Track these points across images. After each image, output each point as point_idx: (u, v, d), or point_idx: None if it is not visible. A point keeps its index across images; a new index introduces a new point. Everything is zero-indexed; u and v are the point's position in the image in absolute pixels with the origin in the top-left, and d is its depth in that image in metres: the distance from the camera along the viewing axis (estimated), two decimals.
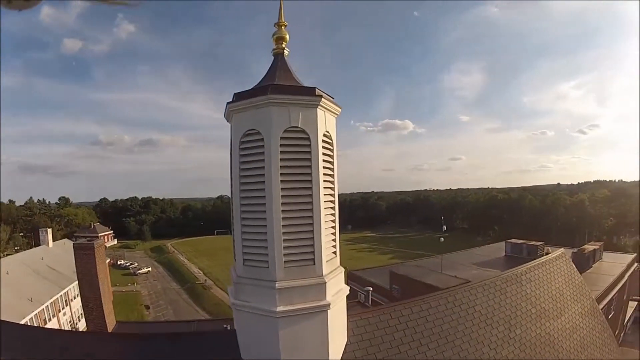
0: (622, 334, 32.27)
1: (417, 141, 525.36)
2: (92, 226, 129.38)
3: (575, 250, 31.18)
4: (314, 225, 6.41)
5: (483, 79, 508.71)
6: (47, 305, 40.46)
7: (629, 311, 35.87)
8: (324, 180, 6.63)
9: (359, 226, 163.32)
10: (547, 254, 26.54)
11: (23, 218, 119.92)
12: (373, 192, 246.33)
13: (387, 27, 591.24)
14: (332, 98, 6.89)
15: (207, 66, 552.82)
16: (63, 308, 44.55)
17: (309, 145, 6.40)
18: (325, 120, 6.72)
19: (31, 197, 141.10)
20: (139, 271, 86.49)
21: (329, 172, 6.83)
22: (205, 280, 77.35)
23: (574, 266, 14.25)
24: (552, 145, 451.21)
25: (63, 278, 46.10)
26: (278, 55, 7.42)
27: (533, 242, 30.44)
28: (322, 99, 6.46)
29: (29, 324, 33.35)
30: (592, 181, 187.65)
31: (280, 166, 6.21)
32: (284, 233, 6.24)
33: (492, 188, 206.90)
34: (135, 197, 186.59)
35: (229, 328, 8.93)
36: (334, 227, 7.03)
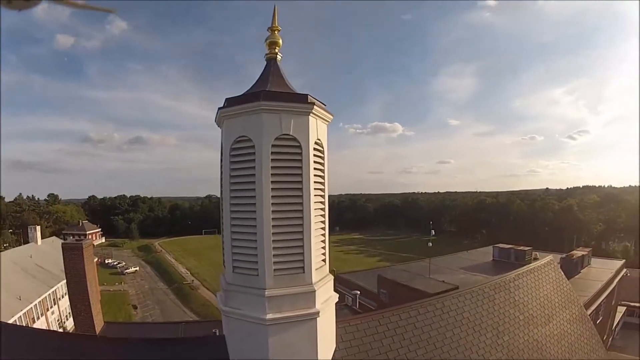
0: (610, 339, 32.66)
1: (406, 144, 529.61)
2: (81, 224, 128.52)
3: (564, 255, 31.36)
4: (304, 234, 6.40)
5: (473, 83, 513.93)
6: (36, 304, 40.22)
7: (618, 316, 36.31)
8: (315, 189, 6.62)
9: (346, 228, 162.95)
10: (535, 259, 27.00)
11: (12, 214, 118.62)
12: (361, 194, 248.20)
13: (378, 30, 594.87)
14: (324, 105, 6.88)
15: (201, 66, 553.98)
16: (51, 307, 44.25)
17: (300, 153, 6.38)
18: (317, 128, 6.70)
19: (20, 194, 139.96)
20: (127, 270, 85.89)
21: (320, 179, 6.82)
22: (193, 280, 77.10)
23: (562, 273, 14.41)
24: (541, 150, 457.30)
25: (51, 276, 45.77)
26: (271, 60, 7.36)
27: (521, 247, 30.52)
28: (314, 107, 6.44)
29: (17, 323, 33.09)
30: (581, 186, 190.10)
31: (271, 174, 6.20)
32: (274, 241, 6.23)
33: (480, 192, 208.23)
34: (124, 195, 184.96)
35: (217, 333, 8.88)
36: (323, 235, 7.03)
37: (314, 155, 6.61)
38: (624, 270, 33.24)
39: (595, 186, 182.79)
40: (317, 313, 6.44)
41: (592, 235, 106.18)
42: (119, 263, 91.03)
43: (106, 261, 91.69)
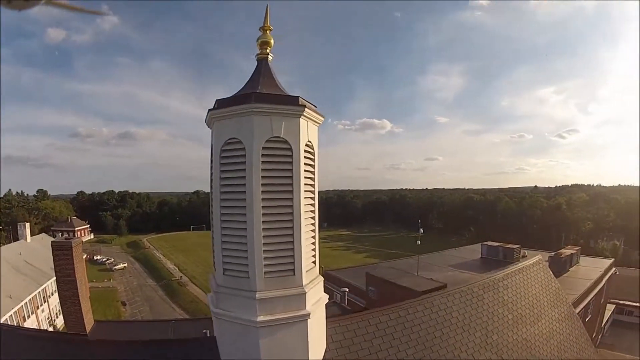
0: (600, 337, 33.12)
1: (395, 141, 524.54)
2: (69, 220, 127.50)
3: (552, 254, 31.66)
4: (294, 236, 6.41)
5: (462, 82, 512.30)
6: (26, 302, 39.97)
7: (607, 314, 36.81)
8: (305, 191, 6.62)
9: (334, 224, 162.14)
10: (523, 257, 27.22)
11: (2, 211, 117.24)
12: (349, 190, 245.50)
13: (367, 27, 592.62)
14: (315, 106, 6.87)
15: (191, 63, 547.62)
16: (41, 305, 43.98)
17: (291, 156, 6.38)
18: (308, 130, 6.69)
19: (10, 190, 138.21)
20: (116, 267, 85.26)
21: (310, 181, 6.82)
22: (181, 277, 76.66)
23: (551, 272, 14.55)
24: (530, 148, 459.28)
25: (41, 274, 45.49)
26: (262, 61, 7.31)
27: (509, 245, 30.57)
28: (306, 109, 6.43)
29: (8, 322, 32.83)
30: (570, 185, 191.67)
31: (262, 177, 6.19)
32: (264, 244, 6.23)
33: (468, 189, 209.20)
34: (112, 190, 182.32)
35: (208, 334, 8.88)
36: (314, 237, 7.04)
37: (305, 157, 6.60)
38: (613, 269, 33.66)
39: (584, 185, 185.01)
40: (308, 315, 6.46)
41: (580, 233, 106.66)
42: (107, 259, 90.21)
43: (95, 257, 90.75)
